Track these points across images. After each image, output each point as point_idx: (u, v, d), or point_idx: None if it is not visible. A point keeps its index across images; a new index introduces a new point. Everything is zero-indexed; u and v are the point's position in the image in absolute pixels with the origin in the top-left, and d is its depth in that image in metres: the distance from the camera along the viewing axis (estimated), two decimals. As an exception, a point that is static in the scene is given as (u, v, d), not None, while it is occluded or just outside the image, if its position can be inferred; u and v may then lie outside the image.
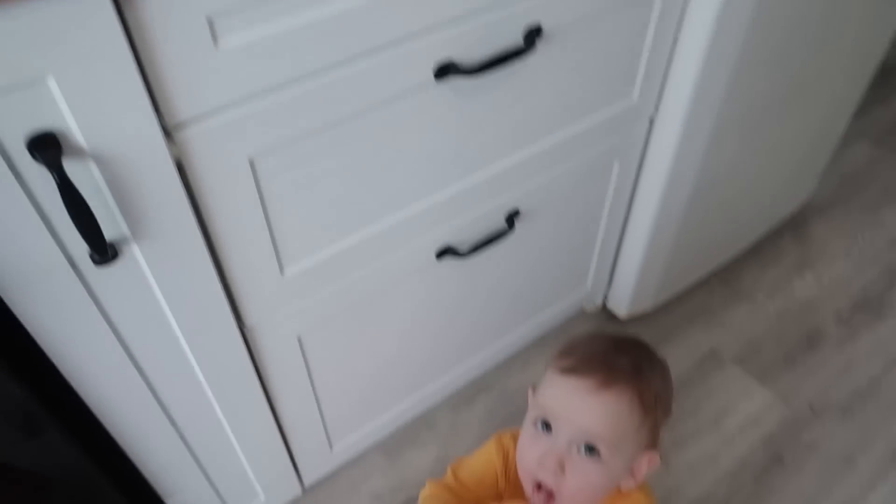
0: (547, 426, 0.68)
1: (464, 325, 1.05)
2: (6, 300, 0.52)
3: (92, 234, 0.51)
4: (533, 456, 0.68)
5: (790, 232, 1.54)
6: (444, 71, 0.66)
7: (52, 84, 0.45)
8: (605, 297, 1.33)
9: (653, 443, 0.70)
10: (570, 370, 0.67)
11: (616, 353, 0.69)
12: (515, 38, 0.69)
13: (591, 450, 0.65)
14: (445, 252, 0.86)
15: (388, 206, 0.75)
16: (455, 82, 0.68)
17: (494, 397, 1.26)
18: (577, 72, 0.80)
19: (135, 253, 0.57)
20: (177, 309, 0.64)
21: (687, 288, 1.40)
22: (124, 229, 0.55)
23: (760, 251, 1.50)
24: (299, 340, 0.80)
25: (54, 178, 0.47)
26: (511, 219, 0.90)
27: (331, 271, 0.76)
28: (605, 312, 1.37)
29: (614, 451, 0.66)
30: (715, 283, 1.44)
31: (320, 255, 0.73)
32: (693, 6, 0.84)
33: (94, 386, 0.62)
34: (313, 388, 0.88)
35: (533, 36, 0.70)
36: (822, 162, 1.45)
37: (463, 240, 0.87)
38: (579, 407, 0.65)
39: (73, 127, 0.48)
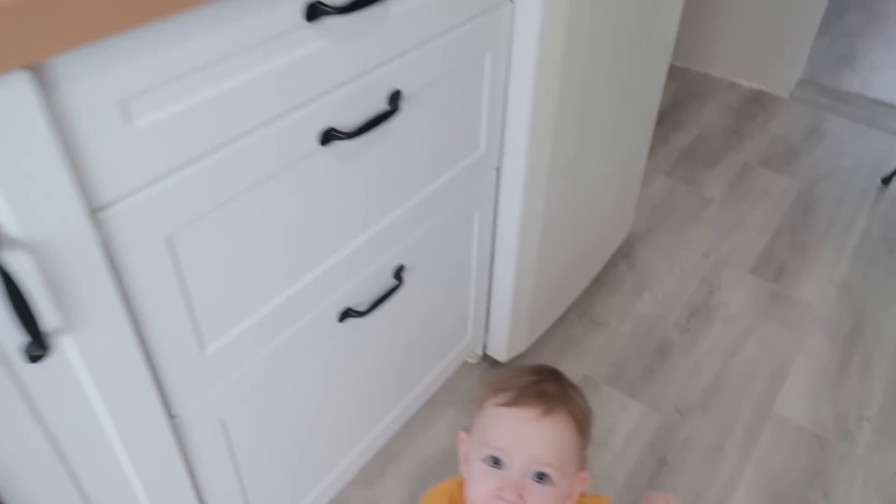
0: (496, 461, 0.72)
1: (367, 390, 1.08)
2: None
3: (31, 328, 0.50)
4: (488, 490, 0.72)
5: (622, 261, 1.75)
6: (328, 137, 0.73)
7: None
8: (485, 346, 1.41)
9: (583, 463, 0.77)
10: (512, 403, 0.73)
11: (544, 381, 0.76)
12: (381, 103, 0.79)
13: (542, 476, 0.71)
14: (347, 314, 0.90)
15: (294, 272, 0.79)
16: (337, 147, 0.76)
17: (403, 464, 1.27)
18: (433, 130, 0.91)
19: (65, 344, 0.57)
20: (106, 402, 0.62)
21: (551, 325, 1.53)
22: (57, 321, 0.54)
23: (603, 282, 1.68)
24: (222, 424, 0.80)
25: (-8, 269, 0.47)
26: (398, 273, 0.97)
27: (245, 346, 0.77)
28: (487, 360, 1.45)
29: (562, 474, 0.72)
30: (573, 317, 1.59)
31: (235, 329, 0.75)
32: (514, 70, 0.99)
33: (13, 480, 0.59)
34: (238, 476, 0.86)
35: (395, 99, 0.79)
36: (633, 196, 1.68)
37: (361, 300, 0.92)
38: (528, 436, 0.72)
39: (4, 218, 0.48)
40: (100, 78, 0.50)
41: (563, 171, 1.19)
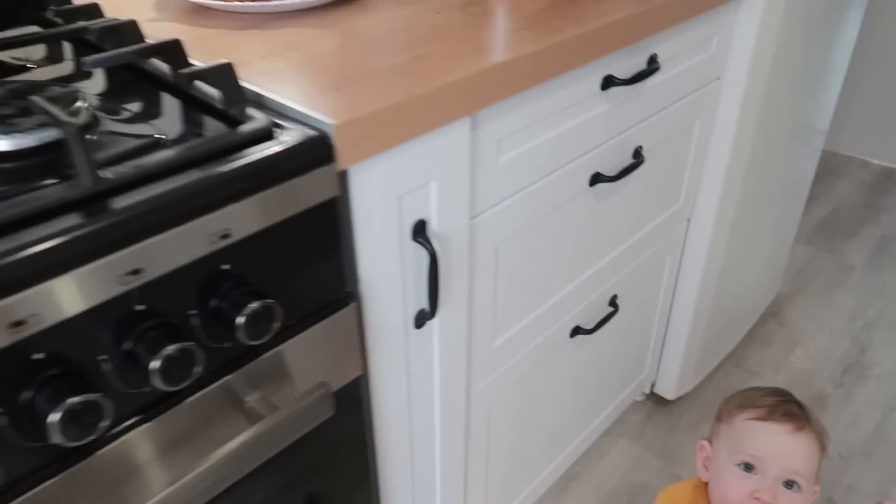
0: (749, 467, 0.86)
1: (571, 409, 1.24)
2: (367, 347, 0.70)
3: (434, 299, 0.71)
4: (743, 492, 0.85)
5: (772, 319, 1.86)
6: (595, 179, 0.93)
7: (433, 186, 0.68)
8: (653, 384, 1.55)
9: (818, 478, 0.89)
10: (766, 418, 0.86)
11: (788, 402, 0.89)
12: (628, 156, 0.99)
13: (791, 484, 0.84)
14: (577, 331, 1.08)
15: (554, 287, 0.98)
16: (597, 189, 0.96)
17: (583, 484, 1.41)
18: (652, 183, 1.10)
19: (434, 319, 0.77)
20: (441, 371, 0.82)
21: (710, 372, 1.65)
22: (441, 298, 0.75)
23: (754, 337, 1.79)
24: (488, 411, 0.98)
25: (428, 252, 0.68)
26: (614, 301, 1.15)
27: (514, 345, 0.96)
28: (652, 398, 1.59)
29: (808, 485, 0.85)
30: (728, 367, 1.71)
31: (513, 329, 0.94)
32: (715, 136, 1.18)
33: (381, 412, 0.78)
34: (486, 461, 1.03)
35: (639, 153, 0.99)
36: (783, 259, 1.81)
37: (587, 320, 1.10)
38: (783, 448, 0.85)
39: (434, 215, 0.70)
40: (495, 124, 0.72)
41: (739, 228, 1.35)
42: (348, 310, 0.63)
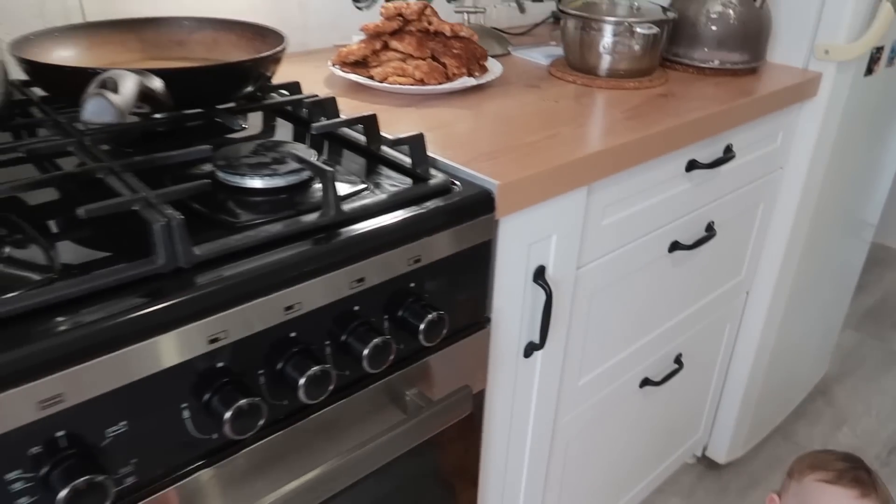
0: None
1: (629, 459, 1.35)
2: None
3: (544, 333, 0.86)
4: None
5: (820, 397, 1.94)
6: (673, 247, 1.08)
7: (553, 239, 0.84)
8: (705, 447, 1.65)
9: None
10: (834, 482, 0.94)
11: (857, 469, 0.96)
12: (701, 229, 1.14)
13: None
14: (645, 382, 1.21)
15: (631, 339, 1.12)
16: (674, 256, 1.11)
17: (638, 535, 1.50)
18: (719, 256, 1.24)
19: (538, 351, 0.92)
20: (538, 397, 0.96)
21: (760, 441, 1.74)
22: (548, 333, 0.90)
23: (803, 413, 1.88)
24: (566, 445, 1.10)
25: (545, 292, 0.83)
26: (679, 359, 1.27)
27: (594, 387, 1.09)
28: (703, 461, 1.68)
29: None
30: (777, 438, 1.79)
31: (595, 371, 1.08)
32: (775, 217, 1.33)
33: (488, 426, 0.91)
34: (559, 496, 1.15)
35: (711, 228, 1.14)
36: (832, 341, 1.91)
37: (655, 373, 1.23)
38: None
39: (551, 263, 0.86)
40: (603, 192, 0.89)
41: (793, 306, 1.48)
42: (486, 331, 0.78)
